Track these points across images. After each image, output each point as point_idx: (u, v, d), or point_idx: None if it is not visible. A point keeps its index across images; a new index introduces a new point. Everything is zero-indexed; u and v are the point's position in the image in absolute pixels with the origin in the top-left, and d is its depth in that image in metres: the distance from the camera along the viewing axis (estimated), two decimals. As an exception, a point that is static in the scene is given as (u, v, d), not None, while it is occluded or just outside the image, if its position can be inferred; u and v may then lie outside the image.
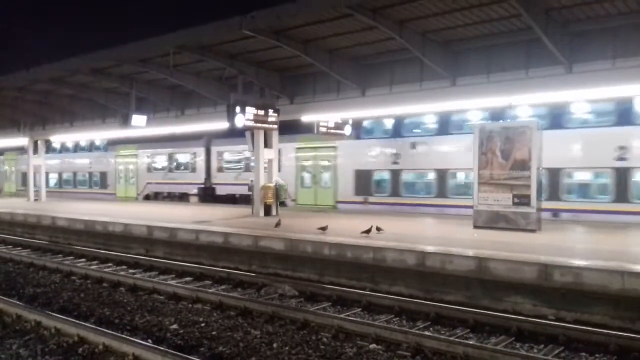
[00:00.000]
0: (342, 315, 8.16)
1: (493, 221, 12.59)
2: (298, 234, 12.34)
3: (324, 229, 12.74)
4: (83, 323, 7.58)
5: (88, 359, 6.56)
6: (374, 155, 20.87)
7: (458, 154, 17.71)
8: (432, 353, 6.64)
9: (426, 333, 7.34)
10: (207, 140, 26.57)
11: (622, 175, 15.55)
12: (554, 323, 7.49)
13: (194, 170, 27.51)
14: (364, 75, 15.51)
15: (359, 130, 20.92)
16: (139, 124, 19.07)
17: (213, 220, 15.87)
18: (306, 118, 17.50)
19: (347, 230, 12.75)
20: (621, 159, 15.56)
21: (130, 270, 12.36)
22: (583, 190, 16.65)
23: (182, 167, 28.20)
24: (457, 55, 13.81)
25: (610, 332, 6.97)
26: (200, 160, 27.13)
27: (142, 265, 12.74)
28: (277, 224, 13.93)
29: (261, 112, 16.08)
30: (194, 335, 7.42)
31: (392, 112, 17.62)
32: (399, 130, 20.27)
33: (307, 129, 19.57)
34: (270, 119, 16.40)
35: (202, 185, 26.85)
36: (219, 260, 12.72)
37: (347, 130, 19.18)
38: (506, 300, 8.61)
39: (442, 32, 13.02)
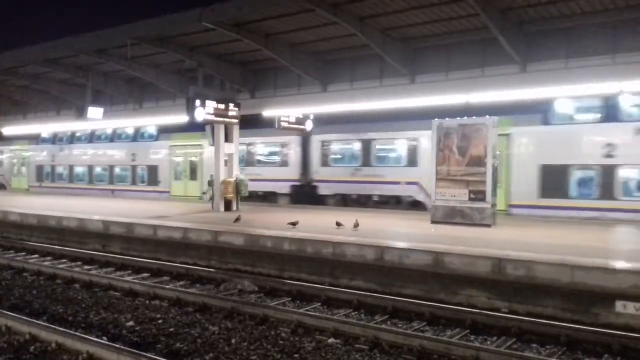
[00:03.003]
0: (301, 310, 8.20)
1: (450, 216, 12.86)
2: (257, 229, 12.31)
3: (294, 224, 12.67)
4: (35, 321, 7.37)
5: (40, 357, 6.39)
6: (44, 155, 31.08)
7: (82, 156, 28.69)
8: (389, 346, 6.74)
9: (384, 326, 7.45)
10: None
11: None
12: (507, 315, 7.73)
13: None
14: (325, 71, 15.56)
15: (38, 139, 30.90)
16: (96, 117, 18.64)
17: (172, 215, 15.66)
18: (267, 113, 17.44)
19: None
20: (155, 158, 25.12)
21: (86, 267, 12.08)
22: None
23: None
24: (417, 53, 14.01)
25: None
26: None
27: (98, 261, 12.48)
28: (237, 219, 13.85)
29: (222, 106, 15.93)
30: (151, 332, 7.33)
31: (353, 108, 17.74)
32: (54, 140, 30.36)
33: (24, 138, 30.57)
34: (231, 113, 16.26)
35: None
36: (177, 256, 12.57)
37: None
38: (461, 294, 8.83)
39: (402, 29, 13.17)
